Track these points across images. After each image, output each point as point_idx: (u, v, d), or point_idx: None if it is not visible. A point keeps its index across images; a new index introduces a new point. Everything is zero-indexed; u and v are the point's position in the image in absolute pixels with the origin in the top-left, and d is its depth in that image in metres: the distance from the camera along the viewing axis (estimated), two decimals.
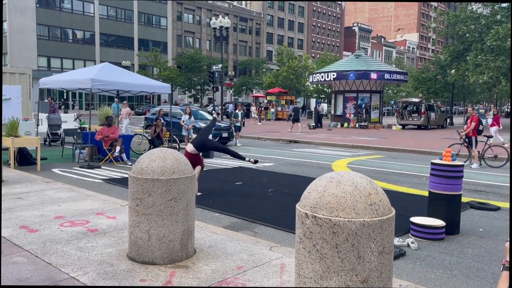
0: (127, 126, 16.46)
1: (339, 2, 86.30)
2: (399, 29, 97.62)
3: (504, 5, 27.01)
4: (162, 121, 13.87)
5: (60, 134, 14.00)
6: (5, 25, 44.67)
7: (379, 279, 2.49)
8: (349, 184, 2.54)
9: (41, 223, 4.89)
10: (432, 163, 5.46)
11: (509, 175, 10.25)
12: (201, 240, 4.40)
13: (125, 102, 17.71)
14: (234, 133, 16.96)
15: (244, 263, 3.81)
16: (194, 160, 6.69)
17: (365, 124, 27.43)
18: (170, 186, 3.71)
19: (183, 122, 14.78)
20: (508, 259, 1.89)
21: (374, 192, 2.56)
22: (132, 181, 3.79)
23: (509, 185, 8.97)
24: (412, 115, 28.41)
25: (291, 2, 75.98)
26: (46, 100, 21.04)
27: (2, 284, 3.35)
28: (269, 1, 72.40)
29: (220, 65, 25.40)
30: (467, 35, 28.86)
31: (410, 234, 5.18)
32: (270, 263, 3.82)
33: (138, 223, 3.75)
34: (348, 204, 2.46)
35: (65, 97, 45.57)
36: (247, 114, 31.96)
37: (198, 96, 54.50)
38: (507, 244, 1.91)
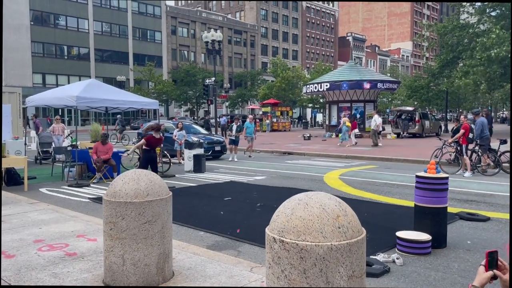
0: (60, 143, 14.56)
1: (333, 13, 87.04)
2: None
3: (493, 13, 27.28)
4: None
5: (51, 152, 13.91)
6: None
7: None
8: (316, 206, 2.48)
9: (19, 247, 4.79)
10: (417, 176, 5.41)
11: (502, 183, 10.20)
12: (181, 262, 4.31)
13: (57, 117, 15.74)
14: (228, 146, 16.76)
15: (222, 285, 3.72)
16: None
17: (359, 133, 27.39)
18: (144, 209, 3.63)
19: (175, 136, 14.73)
20: (475, 284, 1.82)
21: (342, 214, 2.49)
22: (105, 205, 3.71)
23: (501, 193, 8.91)
24: (408, 123, 28.45)
25: (285, 14, 76.59)
26: (29, 118, 19.98)
27: (2, 284, 3.28)
28: (263, 14, 72.97)
29: (213, 78, 25.43)
30: (457, 44, 29.11)
31: (396, 249, 5.10)
32: (248, 285, 3.73)
33: (112, 247, 3.66)
34: (316, 228, 2.39)
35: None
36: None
37: (194, 110, 54.54)
38: (481, 268, 1.81)
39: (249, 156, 16.86)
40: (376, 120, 20.85)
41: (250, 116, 20.23)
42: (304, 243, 2.35)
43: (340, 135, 21.43)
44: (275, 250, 2.46)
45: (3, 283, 3.80)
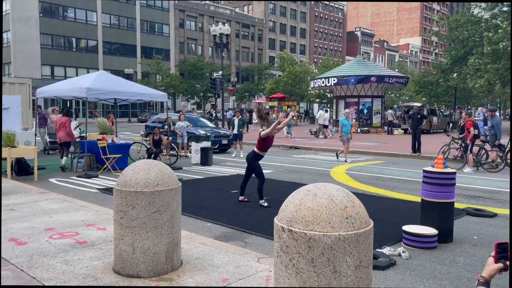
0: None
1: (341, 7, 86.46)
2: None
3: (505, 8, 26.96)
4: (165, 128, 13.77)
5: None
6: (9, 35, 45.08)
7: None
8: (325, 197, 2.51)
9: (31, 235, 4.88)
10: (424, 171, 5.42)
11: (508, 180, 10.15)
12: (189, 251, 4.37)
13: (56, 108, 14.95)
14: (234, 142, 16.65)
15: (229, 275, 3.77)
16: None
17: (366, 129, 27.35)
18: (154, 198, 3.69)
19: (177, 129, 14.68)
20: (483, 275, 1.83)
21: (350, 205, 2.52)
22: (116, 194, 3.77)
23: (508, 190, 8.88)
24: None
25: (293, 8, 76.21)
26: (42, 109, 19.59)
27: (2, 284, 3.35)
28: (271, 7, 72.66)
29: (221, 72, 25.44)
30: (468, 39, 28.81)
31: (402, 243, 5.12)
32: (256, 275, 3.79)
33: (122, 236, 3.73)
34: (324, 218, 2.43)
35: (68, 105, 45.85)
36: (249, 120, 31.82)
37: (201, 103, 54.62)
38: (490, 259, 1.82)
39: (345, 161, 13.76)
40: (322, 116, 24.35)
41: (346, 110, 17.23)
42: (312, 232, 2.39)
43: (287, 128, 23.05)
44: (283, 239, 2.51)
45: (15, 269, 3.88)
